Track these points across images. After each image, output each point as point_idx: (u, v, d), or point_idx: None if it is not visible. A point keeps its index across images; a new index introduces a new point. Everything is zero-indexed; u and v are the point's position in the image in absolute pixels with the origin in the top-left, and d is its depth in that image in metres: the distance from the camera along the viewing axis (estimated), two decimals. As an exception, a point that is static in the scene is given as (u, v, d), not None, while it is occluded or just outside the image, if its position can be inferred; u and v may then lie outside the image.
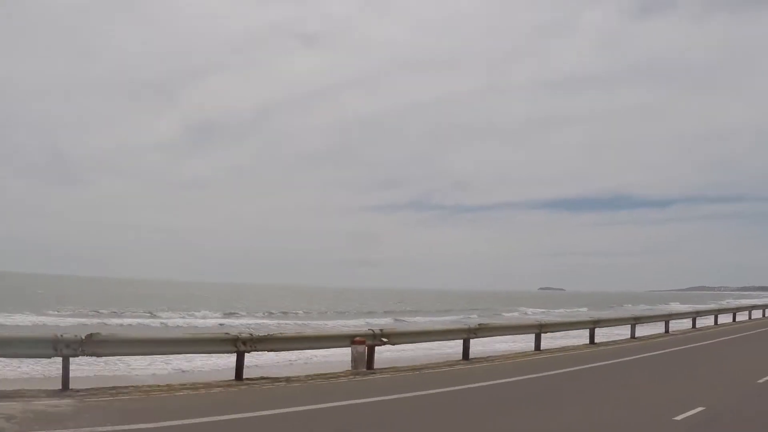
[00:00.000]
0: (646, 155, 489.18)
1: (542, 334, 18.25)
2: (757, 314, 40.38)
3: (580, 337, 21.70)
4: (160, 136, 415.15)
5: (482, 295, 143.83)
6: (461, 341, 15.79)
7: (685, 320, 30.63)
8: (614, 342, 21.75)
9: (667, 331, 26.43)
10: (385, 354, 14.50)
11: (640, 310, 65.16)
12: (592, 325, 20.85)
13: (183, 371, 14.60)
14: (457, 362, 15.15)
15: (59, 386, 9.89)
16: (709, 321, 32.74)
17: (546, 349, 18.16)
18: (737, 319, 35.56)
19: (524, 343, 19.53)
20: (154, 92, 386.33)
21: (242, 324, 38.81)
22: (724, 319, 34.68)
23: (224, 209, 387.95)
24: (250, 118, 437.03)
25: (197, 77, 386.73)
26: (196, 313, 46.93)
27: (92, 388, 10.08)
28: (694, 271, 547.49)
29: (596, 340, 20.70)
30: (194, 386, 10.69)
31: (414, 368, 14.03)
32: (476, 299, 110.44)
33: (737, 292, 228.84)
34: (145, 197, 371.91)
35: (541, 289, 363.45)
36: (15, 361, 13.50)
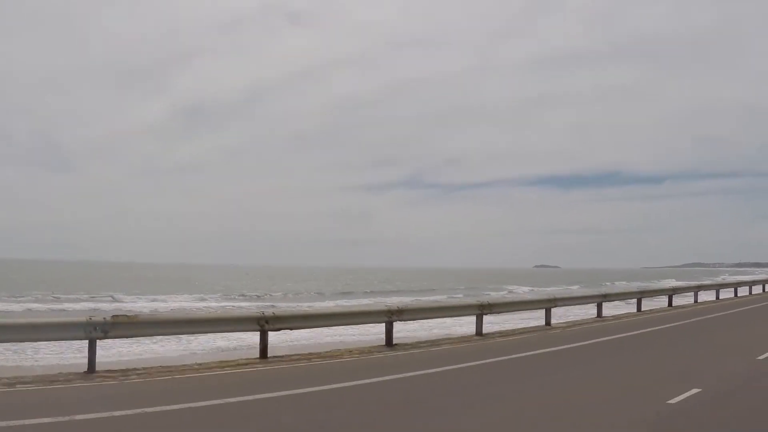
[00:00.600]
0: (639, 132, 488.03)
1: (484, 315, 16.07)
2: (743, 291, 38.42)
3: (538, 318, 19.70)
4: (152, 120, 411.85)
5: (476, 273, 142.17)
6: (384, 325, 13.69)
7: (661, 298, 28.67)
8: (574, 323, 19.67)
9: (639, 309, 24.41)
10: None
11: (611, 287, 63.28)
12: (548, 304, 18.66)
13: None
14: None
15: None
16: (689, 299, 30.66)
17: (488, 334, 16.08)
18: (720, 297, 33.53)
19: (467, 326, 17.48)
20: (144, 77, 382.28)
21: (205, 306, 36.96)
22: (706, 296, 32.66)
23: (217, 192, 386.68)
24: (240, 100, 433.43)
25: (186, 61, 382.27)
26: (163, 297, 45.30)
27: None
28: (690, 248, 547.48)
29: (553, 322, 18.65)
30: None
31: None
32: (468, 277, 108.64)
33: (732, 269, 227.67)
34: (137, 182, 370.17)
35: (536, 266, 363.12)
36: None
